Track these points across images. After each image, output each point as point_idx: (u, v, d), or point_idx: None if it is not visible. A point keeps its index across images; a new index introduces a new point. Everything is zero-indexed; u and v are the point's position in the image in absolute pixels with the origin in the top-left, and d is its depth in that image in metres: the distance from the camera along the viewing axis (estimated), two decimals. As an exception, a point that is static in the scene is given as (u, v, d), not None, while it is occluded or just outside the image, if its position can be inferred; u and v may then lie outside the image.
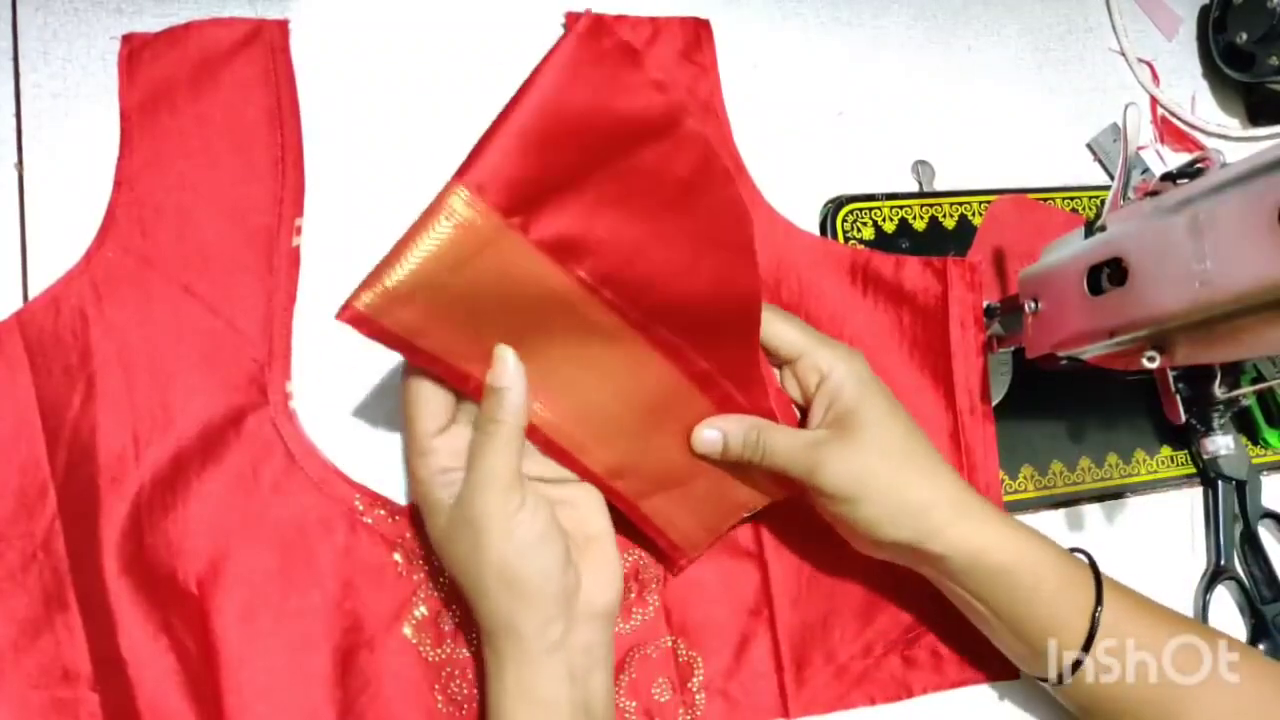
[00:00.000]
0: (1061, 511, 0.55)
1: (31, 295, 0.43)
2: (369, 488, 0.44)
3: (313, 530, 0.42)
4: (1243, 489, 0.57)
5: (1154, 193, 0.42)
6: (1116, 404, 0.57)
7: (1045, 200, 0.59)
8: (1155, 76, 0.66)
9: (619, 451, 0.42)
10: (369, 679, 0.42)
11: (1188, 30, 0.69)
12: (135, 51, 0.46)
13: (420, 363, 0.37)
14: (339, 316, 0.35)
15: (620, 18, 0.53)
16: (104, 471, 0.40)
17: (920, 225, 0.56)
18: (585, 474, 0.42)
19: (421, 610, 0.43)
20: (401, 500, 0.44)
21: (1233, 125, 0.67)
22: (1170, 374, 0.46)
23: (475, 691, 0.43)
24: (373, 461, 0.45)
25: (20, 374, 0.41)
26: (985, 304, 0.52)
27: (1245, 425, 0.60)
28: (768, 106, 0.56)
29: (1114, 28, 0.66)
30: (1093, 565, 0.44)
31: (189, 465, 0.41)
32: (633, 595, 0.46)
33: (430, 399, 0.39)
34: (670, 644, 0.46)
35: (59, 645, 0.40)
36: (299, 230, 0.46)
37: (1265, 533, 0.58)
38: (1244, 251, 0.36)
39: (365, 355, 0.45)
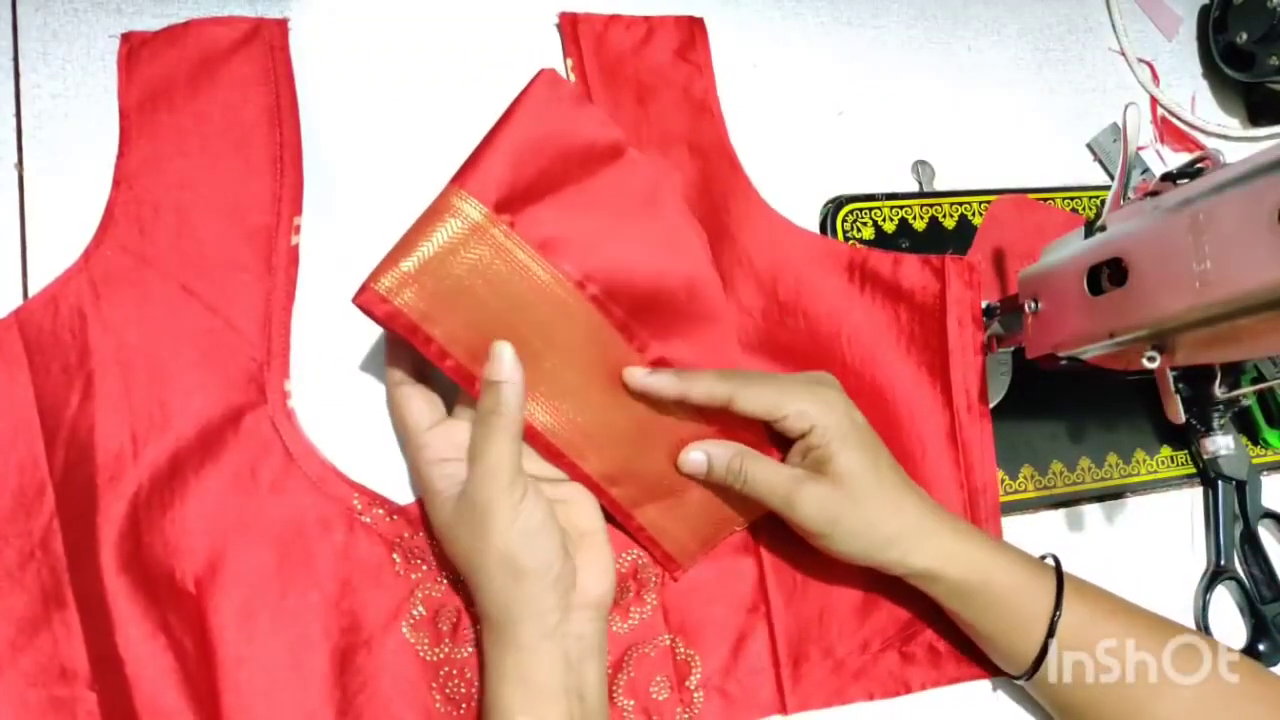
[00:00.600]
0: (1061, 511, 0.55)
1: (31, 294, 0.43)
2: (367, 487, 0.44)
3: (311, 530, 0.42)
4: (1243, 489, 0.57)
5: (1154, 193, 0.42)
6: (1116, 404, 0.57)
7: (1045, 200, 0.59)
8: (1155, 76, 0.66)
9: (615, 459, 0.44)
10: (367, 678, 0.42)
11: (1188, 30, 0.69)
12: (134, 50, 0.46)
13: (429, 354, 0.40)
14: (356, 299, 0.39)
15: (615, 17, 0.53)
16: (102, 470, 0.40)
17: (920, 225, 0.56)
18: (583, 479, 0.44)
19: (419, 610, 0.43)
20: (400, 500, 0.44)
21: (1233, 125, 0.67)
22: (1170, 374, 0.45)
23: (473, 691, 0.43)
24: (371, 461, 0.45)
25: (19, 373, 0.41)
26: (985, 304, 0.52)
27: (1245, 425, 0.60)
28: (768, 106, 0.56)
29: (1114, 28, 0.66)
30: (1057, 570, 0.46)
31: (187, 464, 0.41)
32: (631, 595, 0.46)
33: (415, 396, 0.42)
34: (668, 643, 0.46)
35: (57, 644, 0.40)
36: (297, 229, 0.46)
37: (1265, 533, 0.58)
38: (1244, 251, 0.36)
39: (364, 354, 0.46)
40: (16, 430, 0.41)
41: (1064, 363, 0.47)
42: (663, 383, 0.43)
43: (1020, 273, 0.49)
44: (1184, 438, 0.58)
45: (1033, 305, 0.48)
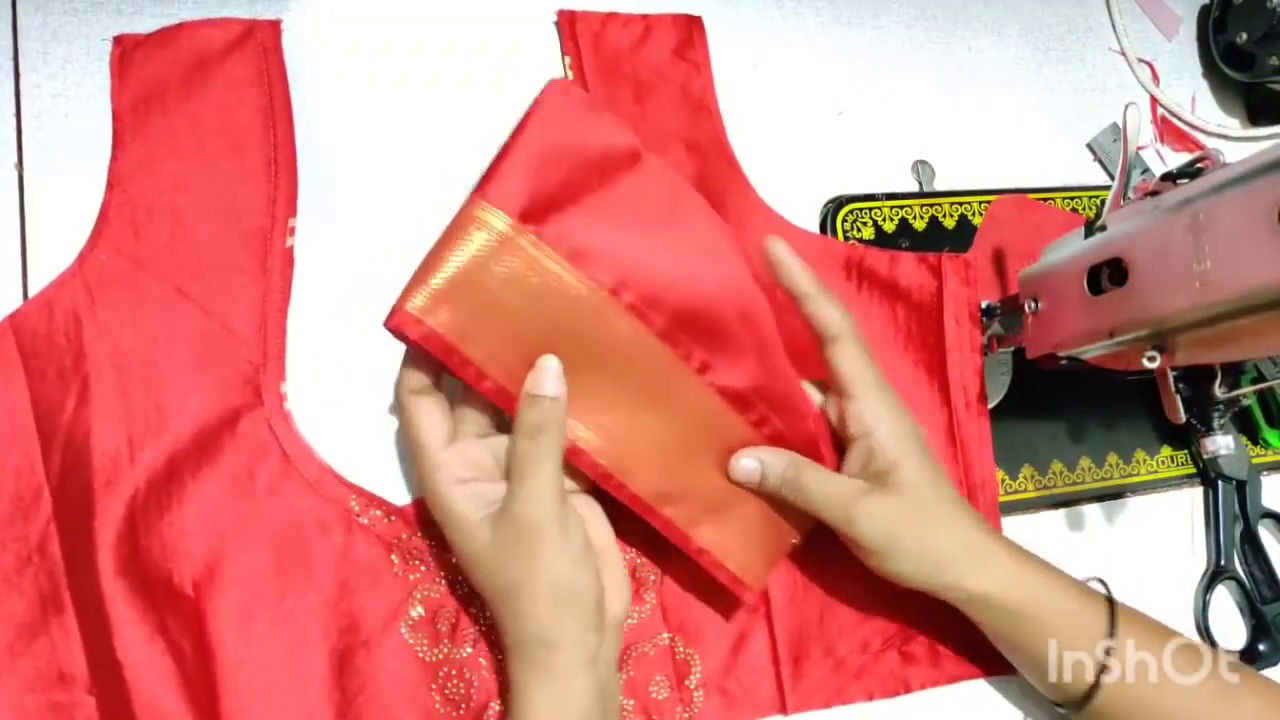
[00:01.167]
0: (1061, 511, 0.55)
1: (31, 294, 0.42)
2: (365, 488, 0.44)
3: (309, 531, 0.42)
4: (1243, 489, 0.57)
5: (1154, 193, 0.42)
6: (1116, 404, 0.57)
7: (1045, 200, 0.59)
8: (1155, 76, 0.66)
9: (664, 475, 0.42)
10: (366, 679, 0.42)
11: (1188, 30, 0.68)
12: (127, 53, 0.46)
13: (466, 376, 0.38)
14: (388, 324, 0.37)
15: (613, 15, 0.53)
16: (99, 474, 0.40)
17: (920, 225, 0.56)
18: (632, 500, 0.42)
19: (418, 610, 0.43)
20: (397, 500, 0.44)
21: (1233, 125, 0.67)
22: (1170, 374, 0.45)
23: (472, 691, 0.42)
24: (368, 462, 0.45)
25: (14, 377, 0.41)
26: (985, 304, 0.52)
27: (1245, 425, 0.60)
28: (768, 106, 0.56)
29: (1114, 28, 0.66)
30: (1109, 597, 0.45)
31: (184, 467, 0.41)
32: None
33: (431, 411, 0.39)
34: (668, 641, 0.46)
35: (55, 648, 0.39)
36: (292, 231, 0.46)
37: (1265, 533, 0.57)
38: (1244, 251, 0.36)
39: (360, 356, 0.46)
40: (13, 435, 0.41)
41: (1064, 363, 0.47)
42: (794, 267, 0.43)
43: (1020, 273, 0.49)
44: (1184, 438, 0.58)
45: (1033, 305, 0.47)
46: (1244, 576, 0.56)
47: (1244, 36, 0.63)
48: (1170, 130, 0.66)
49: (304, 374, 0.45)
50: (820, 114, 0.57)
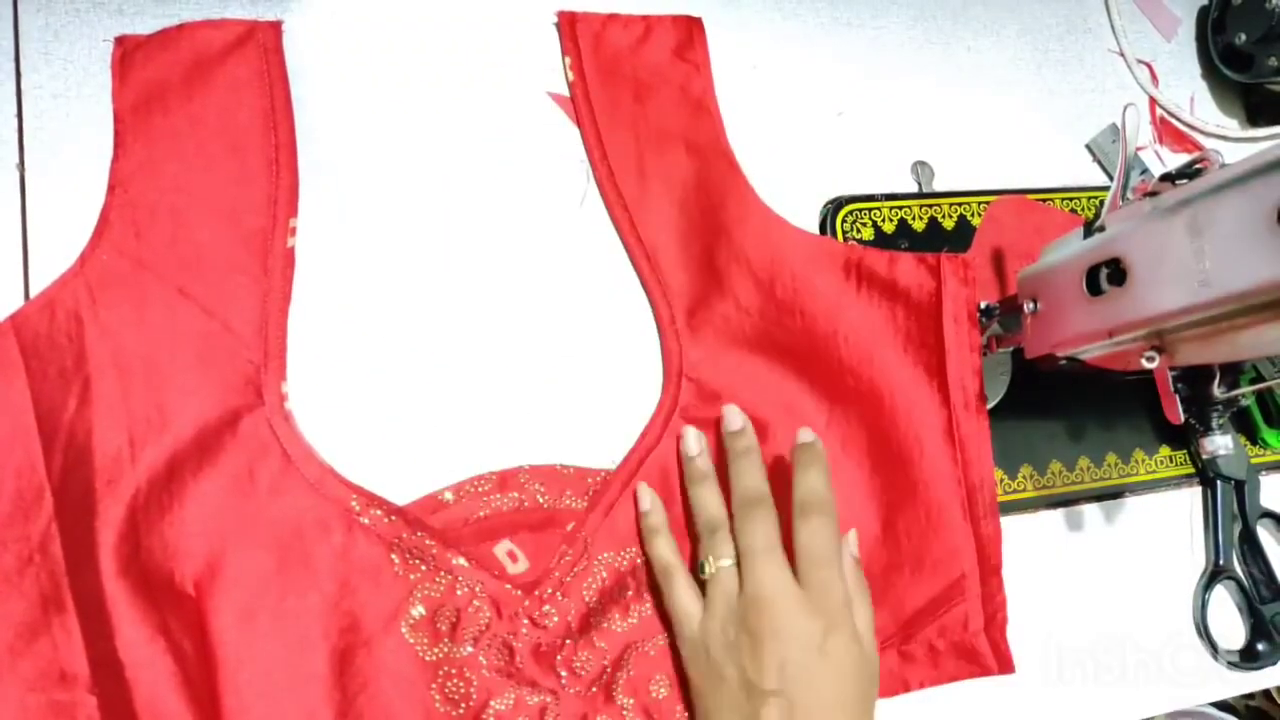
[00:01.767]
0: (1060, 511, 0.55)
1: (33, 294, 0.43)
2: (365, 488, 0.44)
3: (309, 531, 0.42)
4: (1242, 489, 0.57)
5: (1153, 193, 0.42)
6: (1116, 404, 0.57)
7: (1045, 200, 0.59)
8: (1154, 77, 0.66)
9: None
10: (367, 679, 0.42)
11: (1187, 31, 0.69)
12: (128, 53, 0.46)
13: None
14: None
15: (613, 16, 0.53)
16: (100, 474, 0.40)
17: (919, 226, 0.56)
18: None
19: (419, 610, 0.43)
20: (398, 500, 0.44)
21: (1232, 126, 0.67)
22: (1170, 374, 0.45)
23: (471, 691, 0.43)
24: (369, 462, 0.45)
25: (15, 377, 0.41)
26: (984, 305, 0.52)
27: (1244, 425, 0.60)
28: (767, 107, 0.56)
29: (1113, 28, 0.66)
30: None
31: (185, 467, 0.41)
32: (630, 593, 0.46)
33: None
34: (668, 641, 0.46)
35: (56, 648, 0.39)
36: (293, 231, 0.46)
37: (1264, 532, 0.58)
38: (1243, 251, 0.36)
39: (360, 356, 0.46)
40: (14, 435, 0.41)
41: (1063, 363, 0.47)
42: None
43: (1019, 273, 0.49)
44: (1183, 437, 0.58)
45: (1032, 306, 0.47)
46: (1243, 576, 0.56)
47: (1243, 37, 0.64)
48: (1169, 131, 0.66)
49: (305, 374, 0.45)
50: (820, 115, 0.57)
